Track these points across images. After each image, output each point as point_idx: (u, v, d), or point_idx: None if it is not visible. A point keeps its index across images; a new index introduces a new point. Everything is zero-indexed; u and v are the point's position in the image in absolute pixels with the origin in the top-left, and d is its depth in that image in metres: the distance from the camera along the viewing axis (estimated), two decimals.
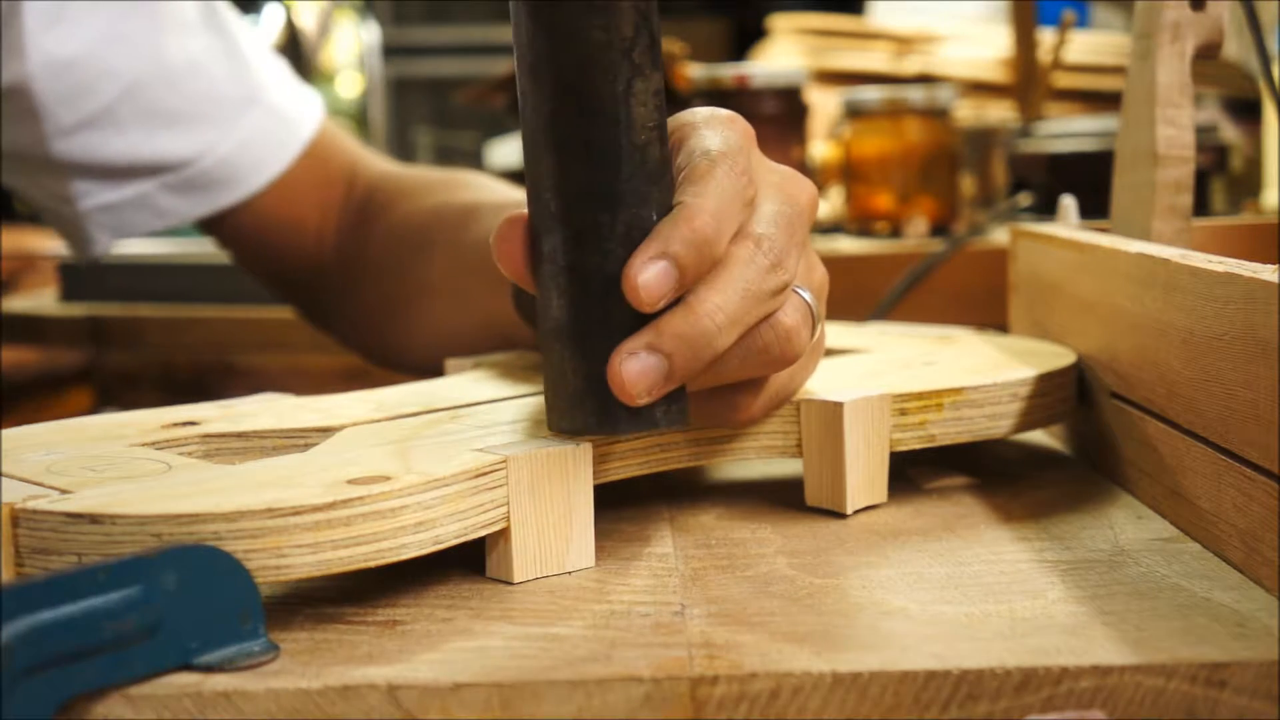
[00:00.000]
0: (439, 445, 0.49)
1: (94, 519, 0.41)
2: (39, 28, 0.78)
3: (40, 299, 1.44)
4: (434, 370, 0.68)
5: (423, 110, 4.35)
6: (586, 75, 0.47)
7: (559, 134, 0.47)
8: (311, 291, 0.91)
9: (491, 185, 0.85)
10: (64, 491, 0.44)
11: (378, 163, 0.91)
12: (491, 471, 0.46)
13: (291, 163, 0.86)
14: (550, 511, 0.48)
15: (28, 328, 1.35)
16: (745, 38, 2.46)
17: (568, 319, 0.48)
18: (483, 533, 0.47)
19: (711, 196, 0.48)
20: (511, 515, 0.47)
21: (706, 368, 0.48)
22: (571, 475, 0.48)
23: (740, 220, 0.49)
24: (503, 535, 0.47)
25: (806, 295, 0.51)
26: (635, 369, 0.47)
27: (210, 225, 0.89)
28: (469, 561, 0.49)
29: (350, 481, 0.44)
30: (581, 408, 0.48)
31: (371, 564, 0.43)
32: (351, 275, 0.87)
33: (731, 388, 0.52)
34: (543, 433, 0.50)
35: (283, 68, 0.90)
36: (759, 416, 0.54)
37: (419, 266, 0.81)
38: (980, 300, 1.09)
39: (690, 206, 0.47)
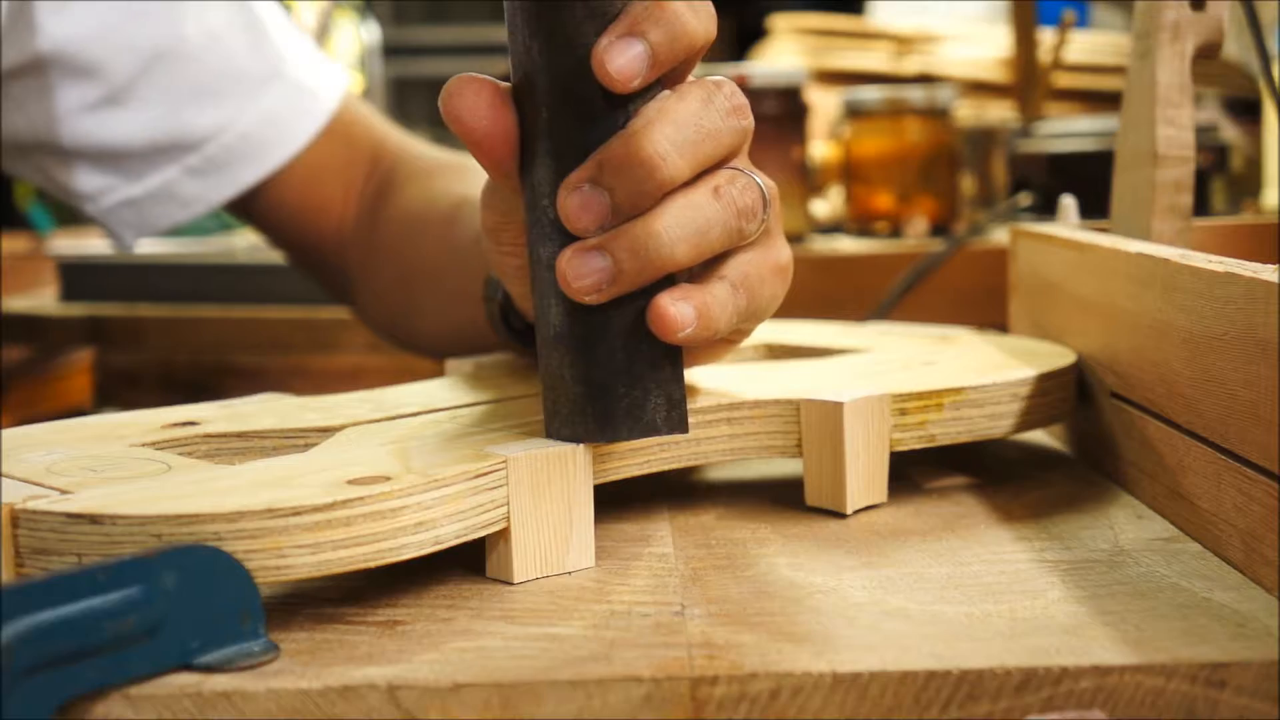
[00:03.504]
0: (439, 445, 0.49)
1: (94, 519, 0.41)
2: (55, 5, 0.78)
3: (40, 299, 1.44)
4: (444, 356, 0.68)
5: (423, 110, 4.35)
6: (584, 81, 0.47)
7: (557, 141, 0.47)
8: (337, 272, 0.90)
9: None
10: (64, 492, 0.44)
11: (402, 142, 0.89)
12: (491, 472, 0.46)
13: (315, 136, 0.85)
14: (550, 511, 0.48)
15: (28, 327, 1.35)
16: (745, 38, 2.46)
17: (566, 327, 0.48)
18: (483, 533, 0.47)
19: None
20: (511, 515, 0.47)
21: (655, 202, 0.47)
22: (571, 475, 0.48)
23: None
24: (502, 535, 0.47)
25: (758, 179, 0.50)
26: (576, 203, 0.46)
27: (238, 209, 0.88)
28: (469, 561, 0.49)
29: (350, 482, 0.44)
30: (582, 415, 0.48)
31: (371, 564, 0.43)
32: (367, 258, 0.86)
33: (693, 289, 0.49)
34: (540, 432, 0.50)
35: (305, 41, 0.89)
36: (721, 318, 0.49)
37: (414, 256, 0.81)
38: (980, 300, 1.09)
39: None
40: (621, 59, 0.46)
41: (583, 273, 0.47)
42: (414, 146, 0.89)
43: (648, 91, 0.48)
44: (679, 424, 0.49)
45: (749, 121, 0.50)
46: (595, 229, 0.47)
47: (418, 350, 0.84)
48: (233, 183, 0.84)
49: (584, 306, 0.48)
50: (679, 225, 0.47)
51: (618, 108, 0.47)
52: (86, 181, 0.83)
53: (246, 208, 0.87)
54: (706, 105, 0.48)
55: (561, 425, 0.49)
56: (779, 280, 0.53)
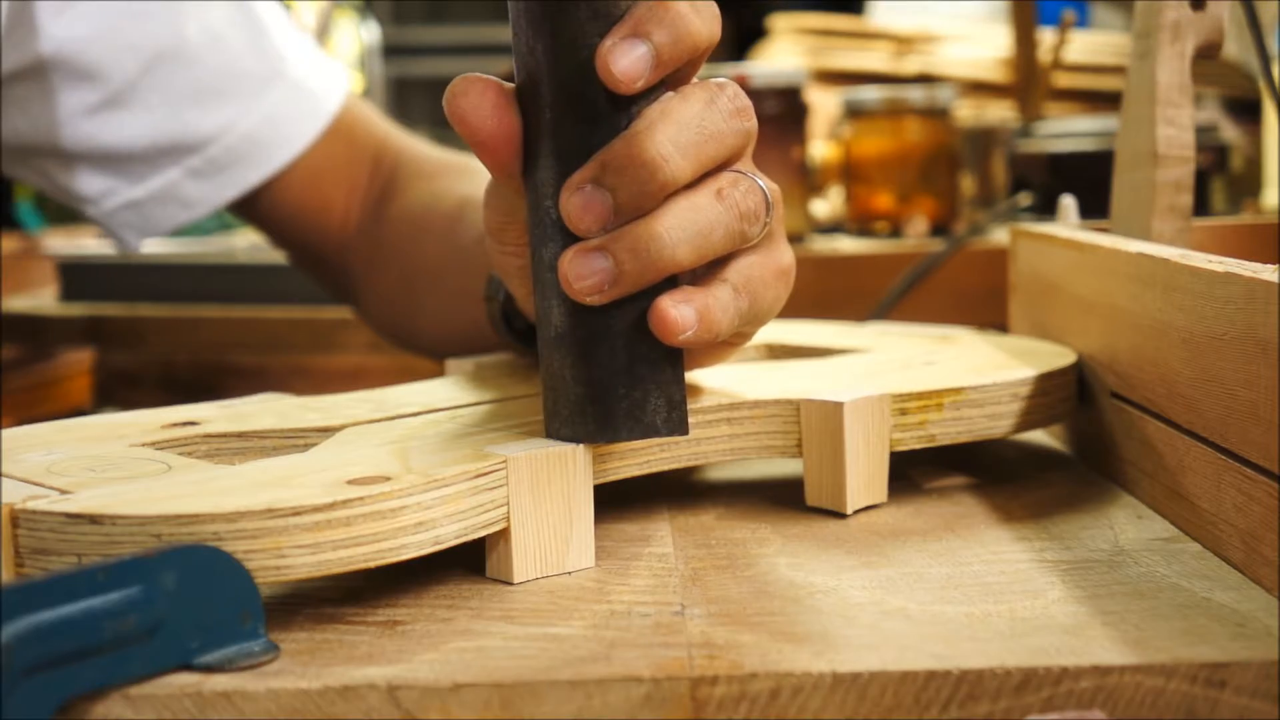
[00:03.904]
0: (439, 445, 0.49)
1: (94, 519, 0.41)
2: (55, 6, 0.78)
3: (40, 299, 1.44)
4: (446, 356, 0.68)
5: (423, 110, 4.35)
6: (587, 82, 0.47)
7: (560, 142, 0.47)
8: (339, 272, 0.90)
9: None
10: (64, 492, 0.44)
11: (405, 141, 0.89)
12: (491, 472, 0.46)
13: (317, 137, 0.85)
14: (550, 511, 0.48)
15: (28, 328, 1.35)
16: (745, 38, 2.46)
17: (568, 327, 0.48)
18: (483, 533, 0.47)
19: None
20: (511, 515, 0.47)
21: (657, 203, 0.47)
22: (571, 475, 0.48)
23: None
24: (502, 535, 0.47)
25: (762, 183, 0.50)
26: (578, 203, 0.46)
27: (240, 209, 0.88)
28: (469, 561, 0.49)
29: (350, 482, 0.44)
30: (582, 416, 0.48)
31: (371, 564, 0.43)
32: (370, 257, 0.86)
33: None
34: (540, 432, 0.50)
35: (307, 42, 0.88)
36: (723, 321, 0.49)
37: (417, 255, 0.81)
38: (980, 300, 1.09)
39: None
40: (625, 60, 0.46)
41: (584, 273, 0.47)
42: (416, 146, 0.89)
43: (651, 93, 0.48)
44: (679, 425, 0.49)
45: (752, 123, 0.50)
46: (597, 230, 0.47)
47: (419, 350, 0.84)
48: (235, 184, 0.84)
49: (586, 307, 0.48)
50: (681, 227, 0.47)
51: (621, 109, 0.47)
52: (88, 184, 0.83)
53: (249, 208, 0.87)
54: (709, 106, 0.48)
55: (561, 426, 0.49)
56: (781, 284, 0.53)
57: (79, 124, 0.81)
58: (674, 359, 0.49)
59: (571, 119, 0.47)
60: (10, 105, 0.80)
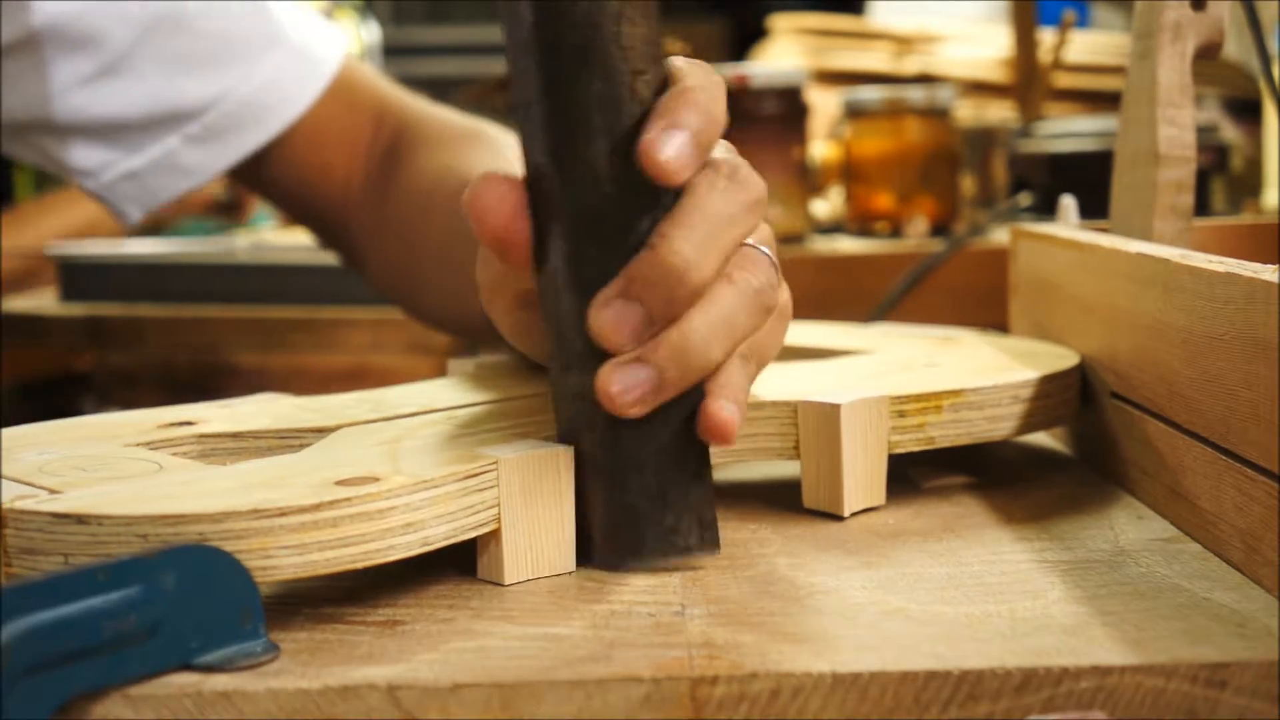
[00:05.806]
0: (431, 446, 0.49)
1: (81, 519, 0.41)
2: None
3: (40, 299, 1.44)
4: (453, 331, 0.67)
5: None
6: (601, 203, 0.46)
7: (578, 271, 0.46)
8: (343, 238, 0.89)
9: (503, 150, 0.80)
10: (53, 492, 0.44)
11: (408, 103, 0.88)
12: (482, 473, 0.46)
13: (315, 101, 0.84)
14: (542, 513, 0.48)
15: (28, 328, 1.35)
16: (745, 38, 2.46)
17: (599, 455, 0.47)
18: (473, 534, 0.46)
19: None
20: (502, 517, 0.47)
21: (686, 307, 0.46)
22: (563, 477, 0.48)
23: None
24: (493, 537, 0.47)
25: (764, 250, 0.49)
26: (610, 319, 0.46)
27: (242, 175, 0.87)
28: (469, 562, 0.49)
29: (338, 483, 0.44)
30: (614, 541, 0.48)
31: (359, 565, 0.43)
32: (375, 225, 0.85)
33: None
34: (537, 434, 0.50)
35: (303, 7, 0.88)
36: (745, 397, 0.49)
37: (424, 231, 0.80)
38: (980, 300, 1.09)
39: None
40: (670, 149, 0.45)
41: (627, 386, 0.46)
42: (423, 108, 0.87)
43: (664, 199, 0.46)
44: (711, 544, 0.49)
45: (760, 190, 0.48)
46: (631, 345, 0.46)
47: (424, 320, 0.84)
48: (235, 149, 0.83)
49: (615, 435, 0.47)
50: (709, 325, 0.46)
51: (638, 215, 0.46)
52: (86, 157, 0.83)
53: (248, 174, 0.86)
54: (721, 195, 0.47)
55: (594, 550, 0.48)
56: (780, 325, 0.52)
57: (74, 95, 0.80)
58: (703, 478, 0.48)
59: (589, 247, 0.46)
60: (4, 81, 0.79)
